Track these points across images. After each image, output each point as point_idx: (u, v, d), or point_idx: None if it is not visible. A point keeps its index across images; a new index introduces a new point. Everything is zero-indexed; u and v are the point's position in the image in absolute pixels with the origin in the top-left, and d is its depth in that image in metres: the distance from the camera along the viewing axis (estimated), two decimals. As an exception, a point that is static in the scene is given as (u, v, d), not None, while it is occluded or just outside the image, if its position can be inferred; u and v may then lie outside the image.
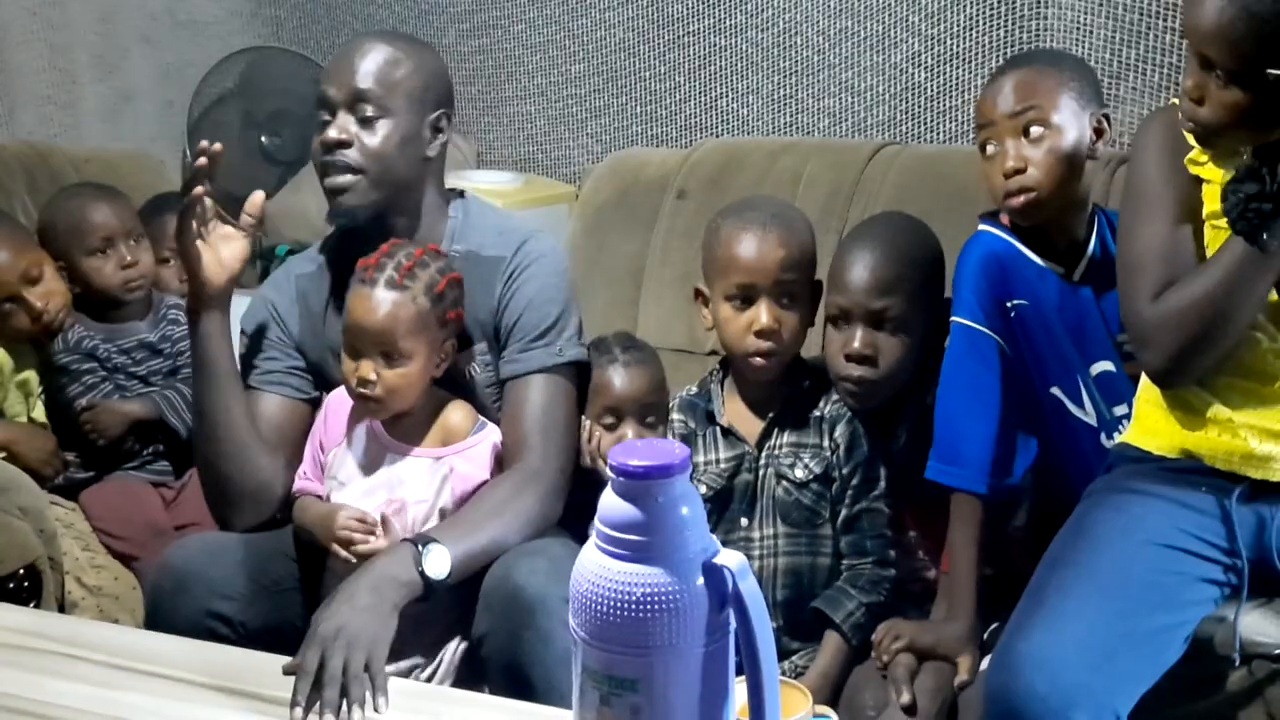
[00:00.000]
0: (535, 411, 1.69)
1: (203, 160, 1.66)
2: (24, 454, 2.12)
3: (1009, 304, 1.69)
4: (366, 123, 1.70)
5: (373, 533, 1.60)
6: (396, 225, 1.73)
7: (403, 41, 1.79)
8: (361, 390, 1.63)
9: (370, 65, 1.72)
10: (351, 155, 1.70)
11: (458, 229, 1.79)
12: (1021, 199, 1.68)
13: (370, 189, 1.70)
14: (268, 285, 1.84)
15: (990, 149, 1.72)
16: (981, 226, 1.75)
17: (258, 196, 1.72)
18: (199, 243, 1.69)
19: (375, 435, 1.69)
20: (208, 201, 1.69)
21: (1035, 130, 1.68)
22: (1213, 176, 1.50)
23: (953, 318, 1.72)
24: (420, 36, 2.34)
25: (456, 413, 1.71)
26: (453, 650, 1.64)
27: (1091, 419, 1.73)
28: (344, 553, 1.60)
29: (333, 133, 1.70)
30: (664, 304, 2.46)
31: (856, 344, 1.74)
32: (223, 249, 1.70)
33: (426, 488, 1.66)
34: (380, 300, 1.62)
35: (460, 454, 1.68)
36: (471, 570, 1.56)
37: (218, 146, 1.67)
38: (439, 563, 1.51)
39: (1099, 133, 1.71)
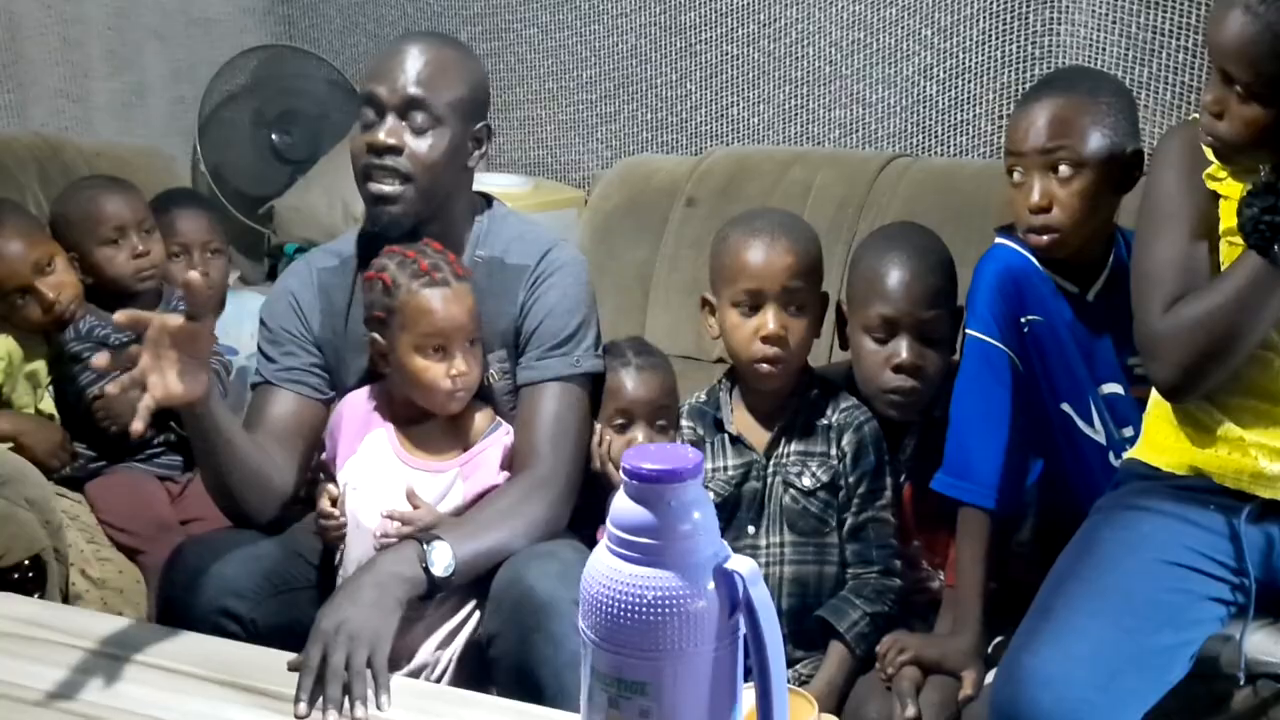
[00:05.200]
0: (548, 419, 1.69)
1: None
2: (31, 445, 2.12)
3: (1023, 319, 1.69)
4: (418, 130, 1.68)
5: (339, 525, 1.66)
6: (427, 232, 1.72)
7: (453, 48, 1.77)
8: (458, 385, 1.66)
9: (426, 71, 1.69)
10: (401, 162, 1.68)
11: (482, 235, 1.79)
12: (1046, 239, 1.67)
13: (416, 199, 1.69)
14: (290, 277, 1.82)
15: (1017, 176, 1.70)
16: (998, 240, 1.75)
17: (195, 277, 1.47)
18: (156, 371, 1.42)
19: (389, 446, 1.70)
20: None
21: (1065, 170, 1.66)
22: (1230, 192, 1.50)
23: (967, 331, 1.72)
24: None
25: (475, 414, 1.72)
26: (461, 649, 1.64)
27: (1101, 437, 1.72)
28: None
29: (382, 136, 1.67)
30: (671, 310, 2.46)
31: (908, 355, 1.73)
32: (182, 355, 1.44)
33: (435, 498, 1.66)
34: (461, 292, 1.66)
35: (469, 462, 1.69)
36: (476, 571, 1.56)
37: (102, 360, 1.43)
38: (443, 560, 1.51)
39: (1130, 167, 1.68)
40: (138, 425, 1.40)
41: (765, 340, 1.73)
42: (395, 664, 1.57)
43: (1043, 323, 1.69)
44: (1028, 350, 1.69)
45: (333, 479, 1.72)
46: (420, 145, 1.68)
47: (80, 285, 2.25)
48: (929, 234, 1.84)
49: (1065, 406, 1.72)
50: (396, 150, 1.68)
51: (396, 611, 1.47)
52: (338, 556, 1.69)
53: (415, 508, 1.63)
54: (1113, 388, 1.72)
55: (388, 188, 1.68)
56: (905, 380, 1.74)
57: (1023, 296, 1.69)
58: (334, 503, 1.67)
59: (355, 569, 1.61)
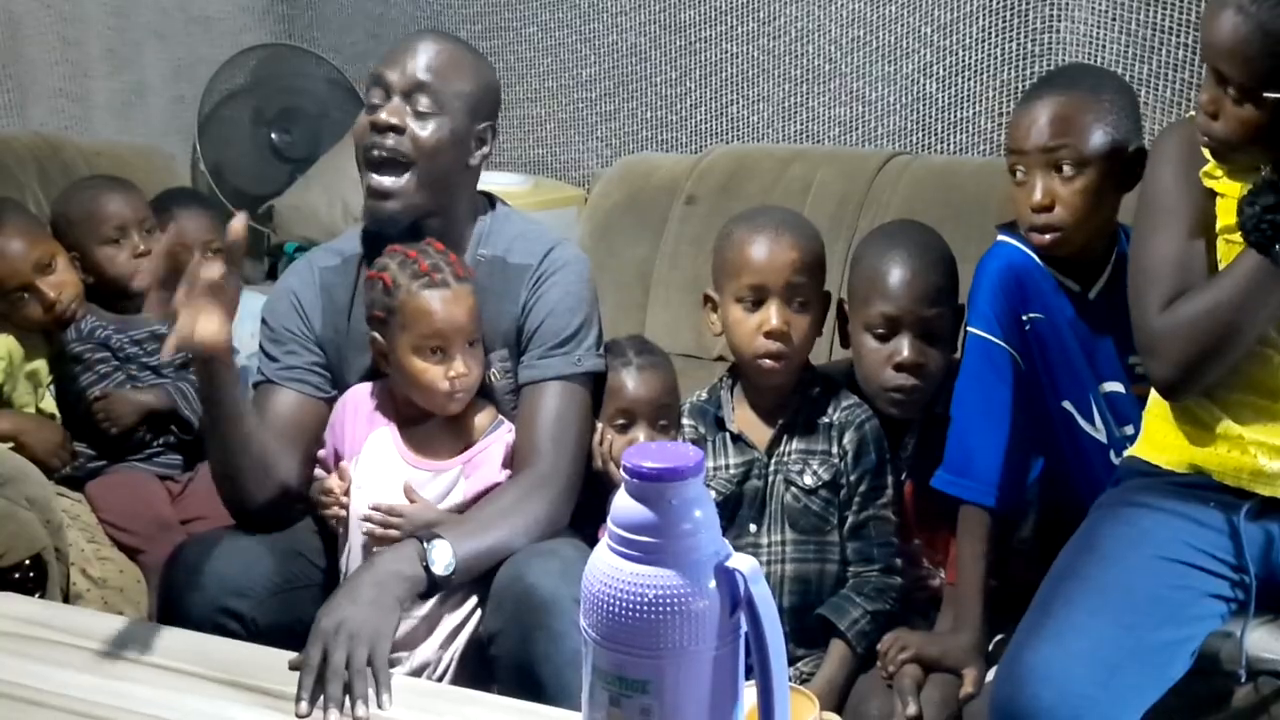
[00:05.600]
0: (549, 418, 1.70)
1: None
2: (31, 445, 2.12)
3: (1024, 317, 1.68)
4: (421, 114, 1.69)
5: (340, 503, 1.66)
6: (429, 229, 1.73)
7: (465, 47, 1.80)
8: (457, 386, 1.66)
9: (435, 61, 1.71)
10: (403, 142, 1.69)
11: (484, 235, 1.80)
12: (1048, 238, 1.67)
13: (415, 190, 1.70)
14: (291, 276, 1.83)
15: (1019, 175, 1.70)
16: (1000, 237, 1.75)
17: (238, 224, 1.52)
18: (189, 310, 1.48)
19: (391, 446, 1.70)
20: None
21: (1067, 169, 1.65)
22: (1227, 190, 1.50)
23: (968, 328, 1.72)
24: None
25: (476, 413, 1.72)
26: (463, 647, 1.64)
27: (1102, 435, 1.72)
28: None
29: (385, 115, 1.69)
30: (672, 309, 2.46)
31: (910, 354, 1.73)
32: (215, 305, 1.50)
33: (437, 497, 1.67)
34: (461, 294, 1.66)
35: (471, 460, 1.69)
36: (476, 570, 1.56)
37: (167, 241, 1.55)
38: (443, 559, 1.52)
39: (1133, 165, 1.67)
40: (166, 354, 1.50)
41: (769, 335, 1.73)
42: (394, 661, 1.58)
43: (1044, 320, 1.69)
44: (1029, 348, 1.69)
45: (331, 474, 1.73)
46: (421, 129, 1.69)
47: (81, 285, 2.25)
48: (930, 231, 1.83)
49: (1066, 404, 1.72)
50: (398, 130, 1.68)
51: (396, 610, 1.47)
52: (342, 560, 1.69)
53: (412, 502, 1.63)
54: (1114, 386, 1.72)
55: (387, 180, 1.69)
56: (907, 379, 1.74)
57: (1024, 294, 1.69)
58: (345, 490, 1.67)
59: (356, 566, 1.62)
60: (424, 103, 1.69)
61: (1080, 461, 1.73)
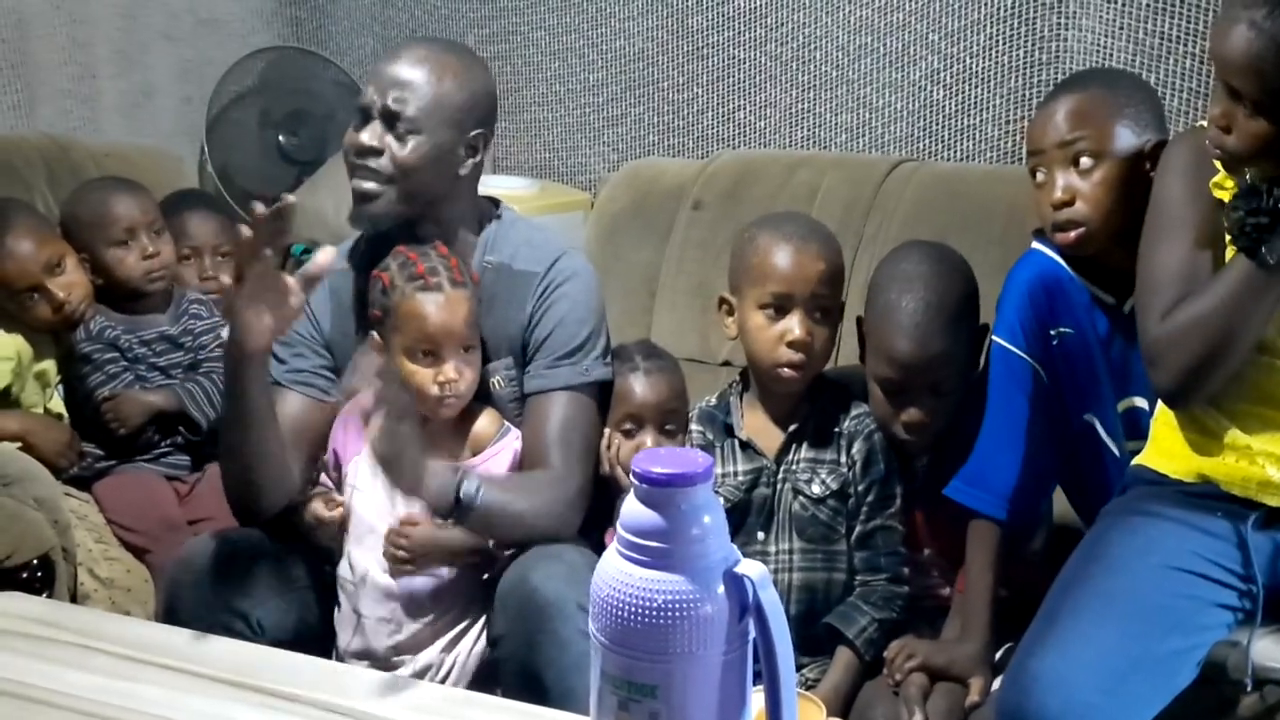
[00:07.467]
0: (556, 428, 1.70)
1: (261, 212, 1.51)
2: (39, 445, 2.13)
3: (1053, 331, 1.67)
4: (400, 136, 1.70)
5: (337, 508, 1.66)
6: (426, 235, 1.74)
7: (453, 55, 1.78)
8: (447, 391, 1.66)
9: (414, 78, 1.71)
10: (382, 164, 1.70)
11: (490, 241, 1.80)
12: (1072, 235, 1.65)
13: (397, 201, 1.71)
14: None
15: (1040, 176, 1.68)
16: (1034, 244, 1.73)
17: (329, 254, 1.55)
18: (252, 307, 1.52)
19: None
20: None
21: (1085, 162, 1.63)
22: (1236, 202, 1.50)
23: (993, 337, 1.70)
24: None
25: (481, 418, 1.73)
26: (466, 651, 1.64)
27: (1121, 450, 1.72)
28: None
29: (365, 137, 1.70)
30: (678, 314, 2.46)
31: (918, 413, 1.72)
32: (278, 308, 1.53)
33: None
34: (456, 299, 1.66)
35: (480, 466, 1.69)
36: (490, 524, 1.58)
37: (291, 199, 1.53)
38: (472, 486, 1.54)
39: (1155, 158, 1.64)
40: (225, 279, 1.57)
41: (791, 345, 1.72)
42: (398, 665, 1.58)
43: (1074, 335, 1.67)
44: (1054, 361, 1.67)
45: (333, 481, 1.73)
46: (401, 150, 1.70)
47: (90, 286, 2.26)
48: (945, 276, 1.75)
49: (1090, 417, 1.71)
50: (377, 152, 1.70)
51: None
52: (341, 567, 1.68)
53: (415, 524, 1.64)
54: (1142, 401, 1.69)
55: (369, 185, 1.71)
56: (914, 435, 1.74)
57: (1054, 307, 1.67)
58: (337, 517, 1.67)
59: (357, 569, 1.62)
60: (400, 126, 1.70)
61: (1100, 475, 1.72)
